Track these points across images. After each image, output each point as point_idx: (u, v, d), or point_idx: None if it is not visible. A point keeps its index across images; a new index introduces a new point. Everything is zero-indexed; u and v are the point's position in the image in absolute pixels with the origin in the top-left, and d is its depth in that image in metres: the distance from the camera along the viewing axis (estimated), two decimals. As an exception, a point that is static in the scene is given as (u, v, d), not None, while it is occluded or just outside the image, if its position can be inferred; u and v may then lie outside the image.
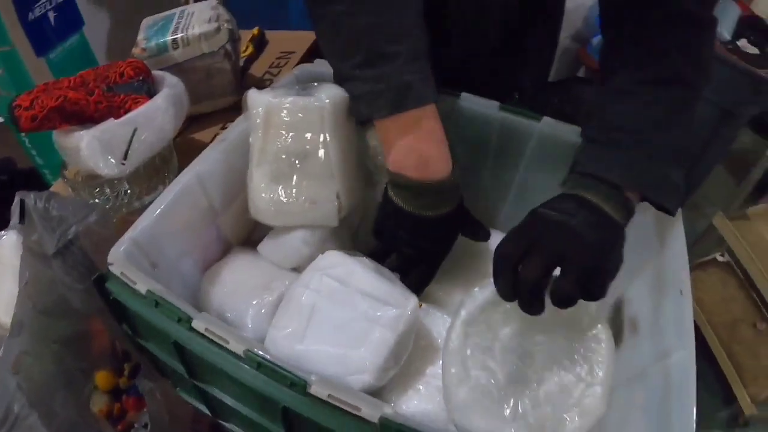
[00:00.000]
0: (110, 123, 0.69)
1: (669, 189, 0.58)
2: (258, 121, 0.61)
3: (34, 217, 0.56)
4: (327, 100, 0.60)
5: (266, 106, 0.60)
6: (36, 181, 1.13)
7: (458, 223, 0.64)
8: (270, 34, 1.16)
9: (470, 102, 0.70)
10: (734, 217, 2.19)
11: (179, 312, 0.44)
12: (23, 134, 0.81)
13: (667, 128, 0.57)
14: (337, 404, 0.40)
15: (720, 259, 2.37)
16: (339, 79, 0.61)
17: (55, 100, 0.67)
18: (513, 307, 0.50)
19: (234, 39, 0.91)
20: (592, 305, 0.52)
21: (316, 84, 0.64)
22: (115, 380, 0.66)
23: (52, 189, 0.84)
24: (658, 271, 0.58)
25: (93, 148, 0.67)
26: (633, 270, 0.60)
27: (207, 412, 0.58)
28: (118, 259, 0.50)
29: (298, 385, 0.40)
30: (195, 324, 0.43)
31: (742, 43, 2.46)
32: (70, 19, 0.91)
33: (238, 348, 0.41)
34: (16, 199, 0.57)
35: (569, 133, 0.66)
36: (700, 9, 0.58)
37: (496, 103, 0.69)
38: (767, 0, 4.47)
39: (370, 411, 0.39)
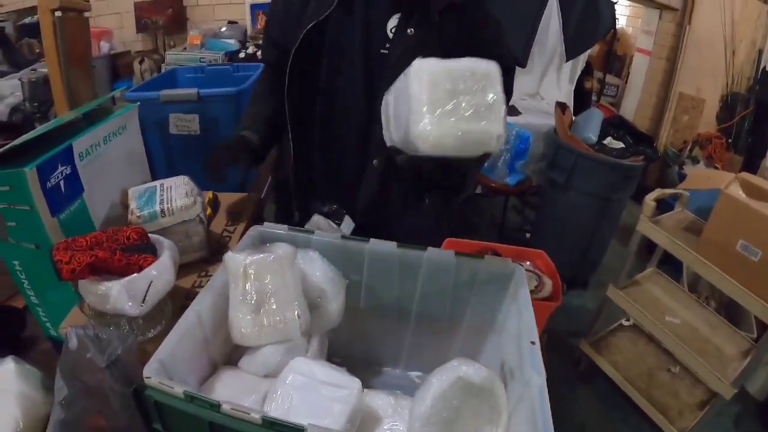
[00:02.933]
0: (134, 277, 0.94)
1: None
2: (236, 274, 0.89)
3: (86, 342, 0.80)
4: (282, 253, 0.89)
5: (241, 264, 0.89)
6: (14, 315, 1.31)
7: None
8: (221, 195, 1.45)
9: (375, 244, 1.01)
10: (626, 286, 2.46)
11: (210, 402, 0.68)
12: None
13: None
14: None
15: (626, 323, 2.73)
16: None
17: (89, 257, 0.92)
18: None
19: (204, 208, 1.21)
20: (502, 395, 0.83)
21: (268, 245, 0.94)
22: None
23: (69, 318, 1.05)
24: (519, 331, 0.88)
25: (121, 294, 0.92)
26: (508, 336, 0.90)
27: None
28: (153, 373, 0.72)
29: (299, 429, 0.64)
30: (223, 408, 0.67)
31: (608, 140, 2.98)
32: (75, 186, 1.13)
33: (256, 417, 0.65)
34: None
35: (448, 256, 0.98)
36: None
37: (394, 243, 1.00)
38: (631, 103, 5.25)
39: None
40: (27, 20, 4.19)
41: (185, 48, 3.86)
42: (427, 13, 1.19)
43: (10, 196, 1.00)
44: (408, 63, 1.13)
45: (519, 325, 0.89)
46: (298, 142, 1.30)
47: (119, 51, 4.26)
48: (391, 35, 1.22)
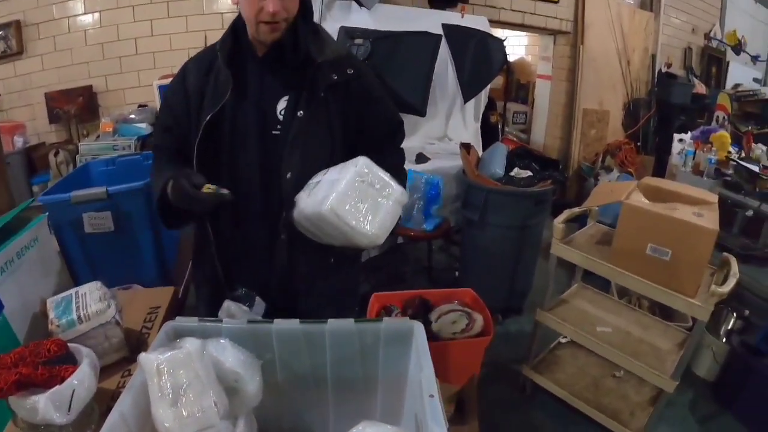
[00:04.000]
0: (57, 388, 0.99)
1: None
2: (151, 372, 0.95)
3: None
4: (191, 348, 0.95)
5: (154, 363, 0.94)
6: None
7: None
8: (140, 292, 1.50)
9: (279, 324, 1.08)
10: (554, 306, 2.57)
11: None
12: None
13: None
14: None
15: (563, 340, 2.85)
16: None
17: (14, 375, 0.97)
18: None
19: (119, 309, 1.26)
20: None
21: (179, 340, 1.00)
22: None
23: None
24: (420, 387, 0.95)
25: (48, 406, 0.96)
26: (416, 390, 0.98)
27: None
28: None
29: None
30: None
31: (515, 171, 3.15)
32: None
33: None
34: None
35: (348, 324, 1.07)
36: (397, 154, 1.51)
37: (296, 320, 1.08)
38: (540, 126, 5.53)
39: None
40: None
41: (98, 136, 3.83)
42: (314, 93, 1.30)
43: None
44: (302, 143, 1.26)
45: (420, 379, 0.96)
46: (212, 220, 1.37)
47: (33, 144, 4.21)
48: (281, 117, 1.32)
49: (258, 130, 1.32)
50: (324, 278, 1.42)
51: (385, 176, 1.20)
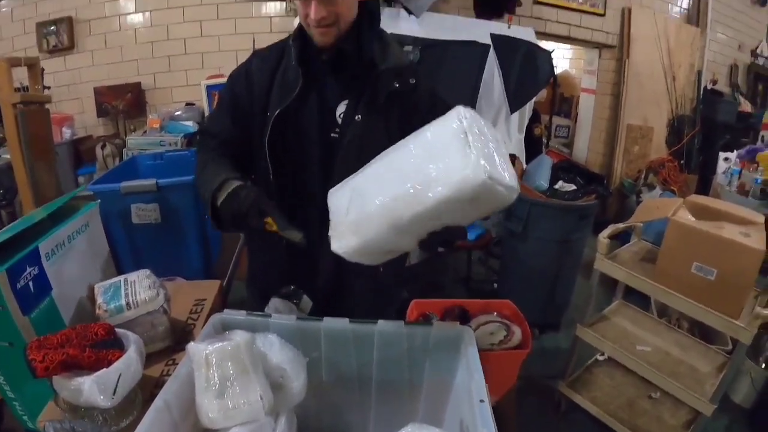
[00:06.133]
0: (103, 371, 0.99)
1: None
2: (199, 362, 0.94)
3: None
4: (240, 340, 0.95)
5: (203, 353, 0.94)
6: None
7: None
8: (185, 284, 1.51)
9: (329, 322, 1.08)
10: (594, 322, 2.53)
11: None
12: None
13: None
14: None
15: (600, 358, 2.78)
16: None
17: (61, 355, 0.97)
18: None
19: (167, 299, 1.27)
20: None
21: (227, 332, 1.00)
22: None
23: (45, 412, 1.09)
24: (470, 390, 0.94)
25: (93, 388, 0.96)
26: (464, 396, 0.96)
27: None
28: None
29: None
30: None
31: (560, 184, 3.13)
32: (43, 286, 1.17)
33: None
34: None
35: (398, 327, 1.05)
36: None
37: (346, 319, 1.07)
38: (583, 141, 5.45)
39: None
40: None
41: (145, 131, 3.92)
42: (374, 99, 1.30)
43: (-19, 297, 1.04)
44: (358, 147, 1.24)
45: (470, 385, 0.95)
46: None
47: (81, 136, 4.34)
48: (340, 120, 1.33)
49: (318, 131, 1.33)
50: (370, 281, 1.42)
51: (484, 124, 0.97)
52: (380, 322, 1.05)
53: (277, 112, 1.29)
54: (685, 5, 5.91)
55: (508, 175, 0.89)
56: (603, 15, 5.13)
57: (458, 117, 0.90)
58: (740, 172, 4.01)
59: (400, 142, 0.98)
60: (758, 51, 6.83)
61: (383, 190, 0.93)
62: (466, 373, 0.99)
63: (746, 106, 6.29)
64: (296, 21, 1.35)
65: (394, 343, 1.06)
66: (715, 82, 6.15)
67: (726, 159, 4.35)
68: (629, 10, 5.24)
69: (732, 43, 6.51)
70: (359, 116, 1.30)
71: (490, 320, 1.84)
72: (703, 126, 5.72)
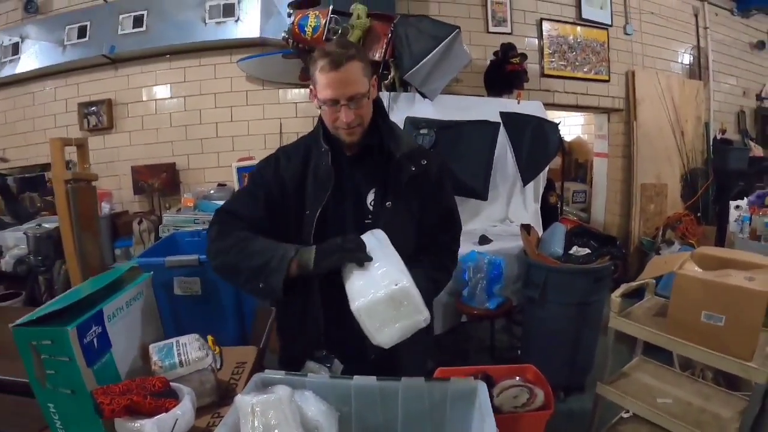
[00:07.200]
0: (163, 416, 1.14)
1: None
2: (245, 412, 1.07)
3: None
4: (282, 393, 1.09)
5: (249, 404, 1.07)
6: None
7: None
8: (226, 349, 1.62)
9: (358, 380, 1.20)
10: (614, 379, 2.56)
11: None
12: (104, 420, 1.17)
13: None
14: None
15: (625, 415, 2.76)
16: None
17: (126, 400, 1.14)
18: None
19: (215, 360, 1.42)
20: None
21: (270, 387, 1.13)
22: None
23: None
24: None
25: (153, 430, 1.11)
26: None
27: None
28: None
29: None
30: None
31: (574, 249, 3.26)
32: (105, 343, 1.32)
33: None
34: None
35: (419, 381, 1.19)
36: (449, 243, 1.60)
37: (373, 377, 1.20)
38: (600, 204, 5.52)
39: None
40: (27, 175, 4.66)
41: (179, 209, 4.18)
42: (398, 184, 1.49)
43: (51, 349, 1.19)
44: (390, 230, 1.41)
45: (482, 427, 1.05)
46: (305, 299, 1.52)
47: (118, 211, 4.63)
48: (371, 207, 1.51)
49: (354, 220, 1.51)
50: (396, 351, 1.53)
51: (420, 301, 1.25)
52: (403, 378, 1.18)
53: (318, 211, 1.46)
54: (686, 61, 6.11)
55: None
56: (608, 81, 5.36)
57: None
58: (750, 218, 4.07)
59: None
60: (763, 94, 6.92)
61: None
62: (480, 423, 1.10)
63: (757, 151, 6.37)
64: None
65: (416, 398, 1.18)
66: (724, 131, 6.26)
67: (737, 207, 4.42)
68: (633, 73, 5.47)
69: (736, 90, 6.64)
70: (389, 202, 1.48)
71: (512, 384, 1.88)
72: (716, 176, 5.82)
